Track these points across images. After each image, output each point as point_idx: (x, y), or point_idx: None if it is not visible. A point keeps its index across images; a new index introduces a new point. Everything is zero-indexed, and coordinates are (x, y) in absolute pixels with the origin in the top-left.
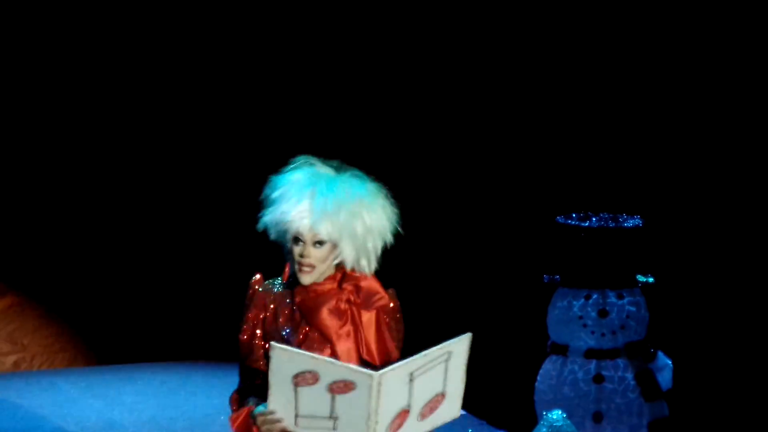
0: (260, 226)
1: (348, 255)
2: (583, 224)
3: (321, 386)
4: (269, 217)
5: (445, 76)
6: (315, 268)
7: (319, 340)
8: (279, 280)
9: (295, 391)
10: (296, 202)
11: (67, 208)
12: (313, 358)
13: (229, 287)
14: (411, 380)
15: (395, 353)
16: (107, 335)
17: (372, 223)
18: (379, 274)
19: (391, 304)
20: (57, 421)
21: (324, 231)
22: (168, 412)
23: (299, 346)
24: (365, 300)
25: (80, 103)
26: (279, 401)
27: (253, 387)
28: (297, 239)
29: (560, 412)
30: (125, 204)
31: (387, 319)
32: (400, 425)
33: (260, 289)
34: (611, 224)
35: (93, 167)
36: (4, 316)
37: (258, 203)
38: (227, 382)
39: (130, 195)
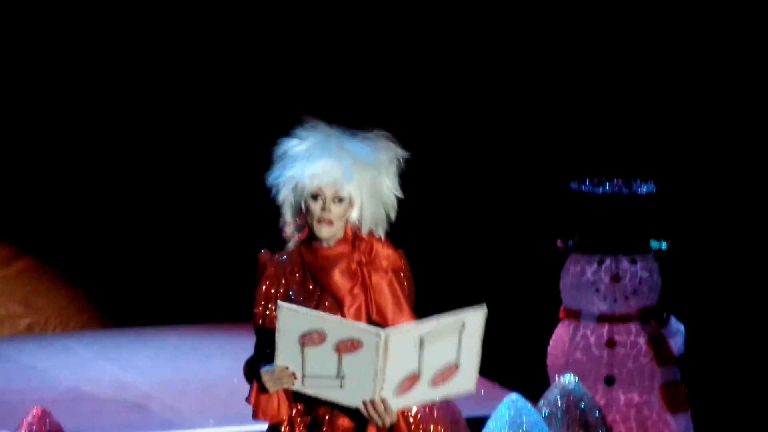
0: (271, 184)
1: (365, 215)
2: (596, 190)
3: (328, 346)
4: (283, 175)
5: (457, 37)
6: (333, 224)
7: (332, 306)
8: (287, 251)
9: (302, 352)
10: (317, 159)
11: (80, 171)
12: (320, 316)
13: (241, 250)
14: (421, 344)
15: (408, 315)
16: (121, 298)
17: (390, 186)
18: (392, 238)
19: (402, 266)
20: (70, 384)
21: (347, 188)
22: (181, 374)
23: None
24: (376, 262)
25: (95, 74)
26: (286, 362)
27: (265, 357)
28: (316, 196)
29: (572, 377)
30: (138, 166)
31: (399, 281)
32: (408, 388)
33: (268, 263)
34: (625, 190)
35: (106, 132)
36: (18, 279)
37: (267, 165)
38: (240, 345)
39: (143, 157)
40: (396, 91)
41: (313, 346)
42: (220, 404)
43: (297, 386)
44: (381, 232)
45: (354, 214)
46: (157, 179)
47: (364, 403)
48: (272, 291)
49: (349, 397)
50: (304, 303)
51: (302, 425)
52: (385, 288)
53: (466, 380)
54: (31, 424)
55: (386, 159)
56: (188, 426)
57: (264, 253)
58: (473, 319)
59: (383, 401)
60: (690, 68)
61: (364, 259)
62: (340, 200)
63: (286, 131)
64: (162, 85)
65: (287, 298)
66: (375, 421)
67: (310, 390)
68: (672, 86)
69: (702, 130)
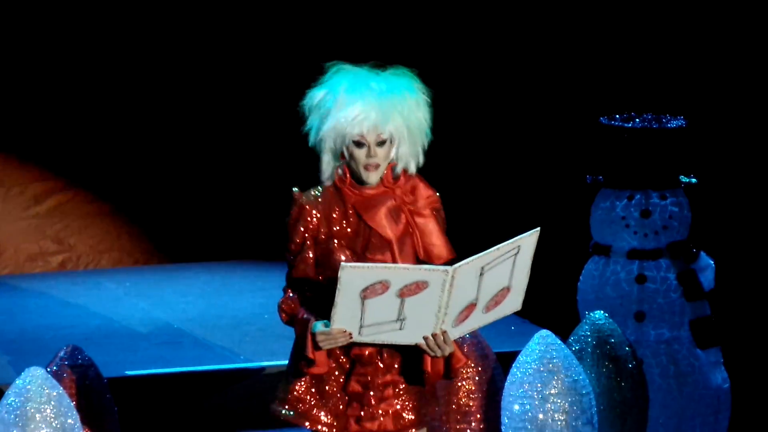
0: (307, 133)
1: (404, 152)
2: (626, 125)
3: (391, 293)
4: (320, 124)
5: None
6: (380, 167)
7: (380, 243)
8: (320, 190)
9: (362, 304)
10: (353, 105)
11: (110, 107)
12: (386, 268)
13: (272, 186)
14: (481, 274)
15: (450, 252)
16: (152, 236)
17: (423, 119)
18: (424, 173)
19: (440, 206)
20: (103, 320)
21: (387, 130)
22: (212, 310)
23: (363, 251)
24: (418, 202)
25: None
26: (344, 317)
27: (304, 299)
28: (359, 143)
29: (602, 312)
30: (171, 105)
31: (438, 220)
32: (466, 317)
33: (305, 202)
34: (654, 125)
35: (145, 74)
36: (51, 216)
37: (296, 102)
38: (270, 281)
39: (179, 95)
40: (424, 26)
41: (375, 297)
42: (250, 340)
43: (354, 337)
44: (413, 167)
45: (393, 152)
46: (189, 116)
47: (425, 338)
48: (310, 229)
49: (409, 336)
50: (351, 242)
51: (347, 365)
52: (430, 228)
53: (515, 301)
54: (63, 360)
55: (415, 92)
56: (219, 362)
57: (298, 193)
58: (528, 242)
59: (444, 333)
60: (718, 4)
61: (406, 199)
62: (383, 143)
63: (312, 72)
64: (181, 42)
65: (329, 237)
66: (435, 354)
67: (366, 339)
68: (702, 20)
69: (732, 64)
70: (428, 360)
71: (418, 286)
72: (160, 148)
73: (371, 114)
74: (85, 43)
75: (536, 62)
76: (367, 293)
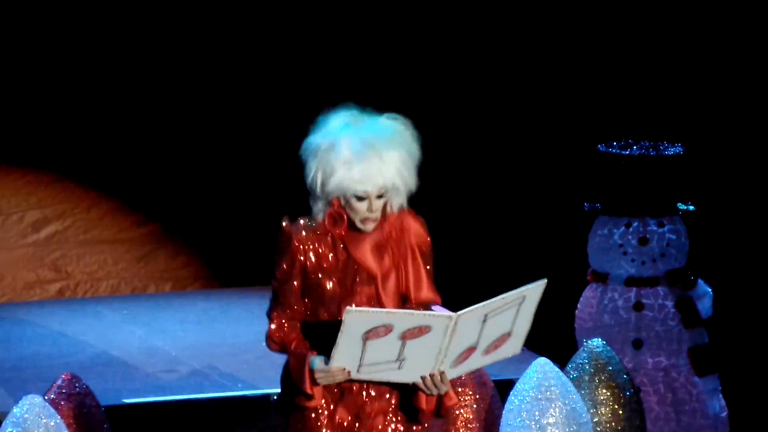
0: (307, 179)
1: (399, 197)
2: (623, 152)
3: (393, 336)
4: (322, 177)
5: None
6: (378, 218)
7: (368, 279)
8: (309, 221)
9: (364, 345)
10: (358, 166)
11: (106, 142)
12: (390, 313)
13: (269, 214)
14: (484, 321)
15: (432, 291)
16: (150, 263)
17: (415, 164)
18: (418, 207)
19: (428, 241)
20: (100, 348)
21: (389, 185)
22: (210, 338)
23: (351, 285)
24: (405, 238)
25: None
26: (344, 356)
27: (293, 329)
28: (361, 198)
29: (600, 340)
30: (166, 134)
31: (425, 257)
32: (465, 359)
33: (295, 232)
34: (652, 152)
35: (142, 102)
36: (48, 244)
37: (292, 134)
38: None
39: (170, 126)
40: (417, 58)
41: (377, 339)
42: (248, 368)
43: (351, 375)
44: (405, 204)
45: (388, 204)
46: (187, 143)
47: (423, 378)
48: (298, 259)
49: (407, 375)
50: (340, 275)
51: (339, 399)
52: (416, 265)
53: (515, 345)
54: (60, 388)
55: (411, 145)
56: (217, 390)
57: (287, 224)
58: (533, 292)
59: (442, 373)
60: (717, 30)
61: (394, 234)
62: (382, 195)
63: (311, 111)
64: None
65: (317, 269)
66: (431, 392)
67: (364, 376)
68: (699, 48)
69: (729, 92)
70: (422, 397)
71: (421, 330)
72: (157, 175)
73: (378, 176)
74: (83, 65)
75: (534, 90)
76: (369, 335)
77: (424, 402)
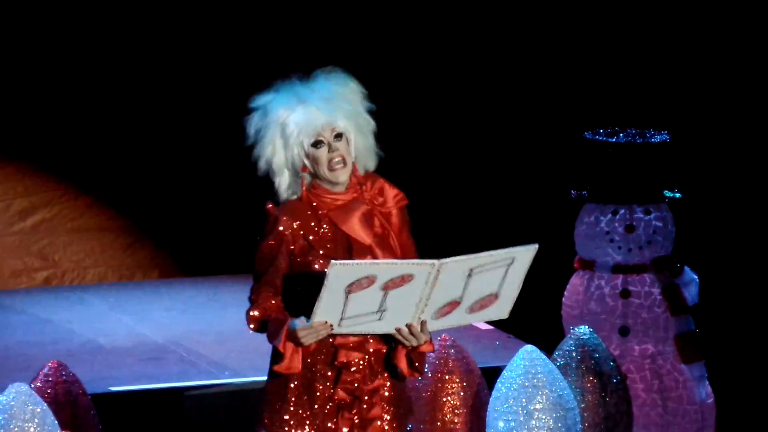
0: (260, 164)
1: (360, 147)
2: (610, 140)
3: (375, 287)
4: (271, 146)
5: None
6: (346, 162)
7: (362, 249)
8: (292, 203)
9: (346, 298)
10: (299, 109)
11: (94, 131)
12: (373, 264)
13: (257, 201)
14: (469, 275)
15: (414, 251)
16: (137, 251)
17: (365, 114)
18: (408, 187)
19: (406, 203)
20: (87, 336)
21: (340, 121)
22: (197, 326)
23: (345, 257)
24: (388, 201)
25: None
26: (326, 311)
27: (275, 305)
28: (317, 142)
29: (587, 327)
30: (154, 123)
31: (405, 219)
32: (447, 313)
33: (280, 213)
34: (638, 140)
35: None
36: (35, 233)
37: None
38: None
39: (158, 114)
40: (408, 35)
41: (359, 291)
42: (235, 356)
43: (333, 330)
44: (373, 165)
45: (351, 149)
46: (175, 132)
47: (398, 329)
48: (286, 240)
49: (387, 326)
50: (332, 251)
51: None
52: (402, 227)
53: (502, 309)
54: (47, 376)
55: (354, 83)
56: (204, 377)
57: (272, 207)
58: (523, 255)
59: (423, 323)
60: (704, 16)
61: (376, 201)
62: (339, 136)
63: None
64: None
65: (307, 249)
66: (409, 343)
67: (344, 330)
68: (686, 34)
69: (716, 79)
70: (402, 356)
71: (403, 279)
72: (144, 164)
73: (321, 110)
74: (68, 56)
75: (521, 77)
76: (352, 288)
77: (402, 361)
